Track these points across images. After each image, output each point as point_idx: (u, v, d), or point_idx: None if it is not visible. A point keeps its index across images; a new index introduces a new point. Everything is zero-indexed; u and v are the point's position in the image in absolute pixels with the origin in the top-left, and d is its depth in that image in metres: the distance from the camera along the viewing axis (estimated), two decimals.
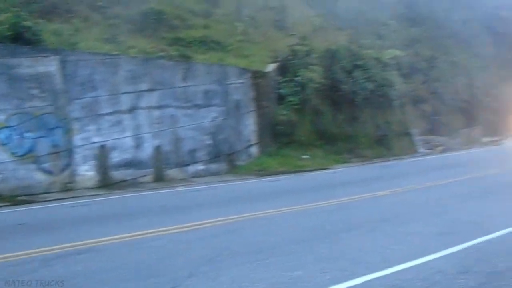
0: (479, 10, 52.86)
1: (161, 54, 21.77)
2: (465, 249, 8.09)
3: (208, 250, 8.26)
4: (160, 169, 19.46)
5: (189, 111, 20.71)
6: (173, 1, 27.26)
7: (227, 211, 11.93)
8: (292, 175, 21.72)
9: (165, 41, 24.12)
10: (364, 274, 6.76)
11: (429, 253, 7.71)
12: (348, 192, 14.74)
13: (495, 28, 55.22)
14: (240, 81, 23.46)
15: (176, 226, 10.13)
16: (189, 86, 20.79)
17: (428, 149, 33.34)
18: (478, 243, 8.44)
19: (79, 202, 14.70)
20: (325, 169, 24.06)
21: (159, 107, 19.55)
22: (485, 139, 40.64)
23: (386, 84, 30.46)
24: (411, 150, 31.85)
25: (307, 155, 25.67)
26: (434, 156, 30.54)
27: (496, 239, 8.72)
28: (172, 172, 19.92)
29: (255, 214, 11.45)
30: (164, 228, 9.96)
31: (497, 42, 54.74)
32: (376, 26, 40.99)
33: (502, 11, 56.64)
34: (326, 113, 28.18)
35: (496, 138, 41.79)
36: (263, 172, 22.20)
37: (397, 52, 34.65)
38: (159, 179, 19.23)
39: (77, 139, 17.10)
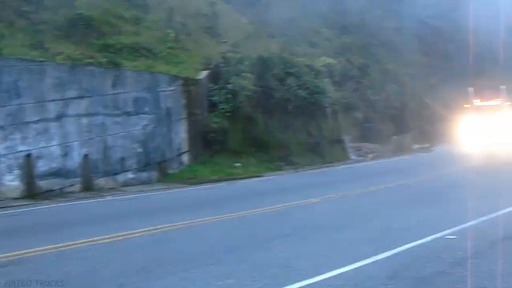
0: (410, 19, 54.42)
1: (90, 60, 21.38)
2: (395, 254, 8.25)
3: (138, 260, 8.15)
4: (89, 178, 19.11)
5: (119, 119, 20.42)
6: (102, 7, 26.82)
7: (158, 220, 11.77)
8: (224, 183, 21.75)
9: (94, 48, 23.70)
10: (296, 281, 6.79)
11: (360, 259, 7.82)
12: (281, 200, 14.84)
13: (425, 37, 57.25)
14: (171, 88, 23.33)
15: (105, 236, 9.94)
16: (119, 93, 20.49)
17: (360, 156, 34.00)
18: (408, 249, 8.62)
19: (2, 213, 14.22)
20: (258, 176, 24.17)
21: (88, 115, 19.20)
22: (416, 146, 41.55)
23: (318, 91, 30.96)
24: (343, 157, 32.41)
25: (240, 162, 25.75)
26: (366, 163, 31.17)
27: (425, 244, 8.94)
28: (102, 181, 19.59)
29: (186, 223, 11.37)
30: (93, 239, 9.77)
31: (428, 50, 56.79)
32: (308, 34, 41.74)
33: (432, 20, 58.79)
34: (258, 121, 28.34)
35: (426, 145, 42.80)
36: (195, 180, 22.12)
37: (330, 60, 35.40)
38: (88, 188, 18.88)
39: (1, 148, 16.61)
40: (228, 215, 12.41)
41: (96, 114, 19.53)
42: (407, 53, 53.99)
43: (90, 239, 9.72)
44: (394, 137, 39.61)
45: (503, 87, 35.75)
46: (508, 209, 12.01)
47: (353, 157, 33.49)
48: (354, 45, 45.88)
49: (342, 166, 29.25)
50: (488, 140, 33.41)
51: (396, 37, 53.94)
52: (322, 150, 30.98)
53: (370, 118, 40.11)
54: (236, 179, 23.05)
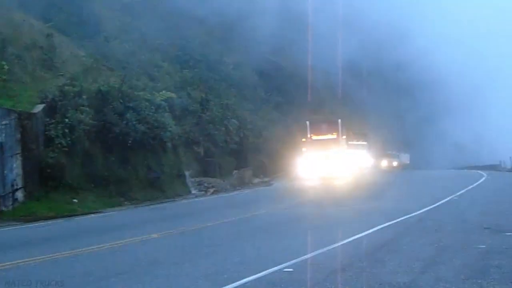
0: (250, 54, 56.71)
1: None
2: None
3: None
4: None
5: None
6: None
7: None
8: (61, 220, 21.12)
9: None
10: None
11: None
12: (120, 236, 14.71)
13: (265, 72, 59.87)
14: (5, 122, 22.29)
15: None
16: None
17: (201, 191, 34.44)
18: (245, 283, 8.86)
19: None
20: (96, 213, 23.77)
21: None
22: (256, 180, 42.85)
23: (158, 126, 31.10)
24: (184, 192, 32.67)
25: (78, 199, 25.12)
26: (207, 198, 31.63)
27: (262, 278, 9.22)
28: None
29: (13, 264, 11.00)
30: None
31: (268, 86, 59.33)
32: (148, 68, 41.92)
33: (272, 56, 61.71)
34: (97, 156, 27.86)
35: (266, 179, 44.38)
36: (30, 217, 21.32)
37: (170, 94, 35.70)
38: None
39: None
40: (61, 253, 12.12)
41: None
42: (247, 88, 55.96)
43: None
44: (235, 171, 40.63)
45: (339, 120, 38.37)
46: (344, 241, 12.72)
47: (194, 191, 33.82)
48: (195, 79, 46.79)
49: (183, 201, 29.46)
50: (325, 173, 35.65)
51: (236, 72, 55.80)
52: (162, 185, 31.04)
53: (211, 153, 40.79)
54: (74, 215, 22.48)
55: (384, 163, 65.19)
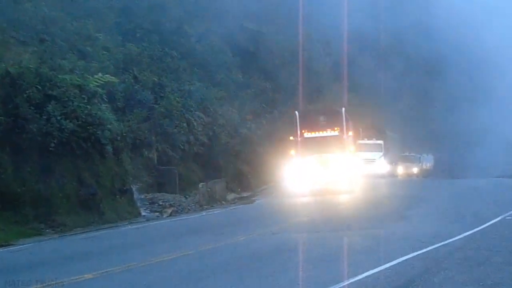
0: (221, 21, 56.50)
1: None
2: None
3: None
4: None
5: None
6: None
7: None
8: None
9: None
10: None
11: None
12: (39, 278, 14.61)
13: (244, 46, 59.74)
14: None
15: None
16: None
17: (155, 212, 34.11)
18: None
19: None
20: (5, 246, 23.32)
21: None
22: (232, 196, 43.02)
23: (93, 122, 30.70)
24: (131, 214, 32.25)
25: None
26: (162, 221, 31.46)
27: None
28: None
29: None
30: None
31: (247, 65, 59.20)
32: (78, 41, 41.40)
33: (253, 24, 61.42)
34: (4, 165, 27.45)
35: (246, 194, 44.56)
36: None
37: (109, 78, 35.24)
38: None
39: None
40: None
41: None
42: (217, 68, 55.77)
43: None
44: (202, 184, 40.21)
45: (342, 110, 38.36)
46: (352, 279, 12.83)
47: (145, 213, 33.58)
48: (144, 57, 46.31)
49: (129, 227, 29.13)
50: (323, 185, 35.82)
51: (202, 46, 55.55)
52: (100, 205, 30.59)
53: (168, 159, 40.75)
54: None
55: (400, 169, 65.84)
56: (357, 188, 37.84)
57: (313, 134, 37.25)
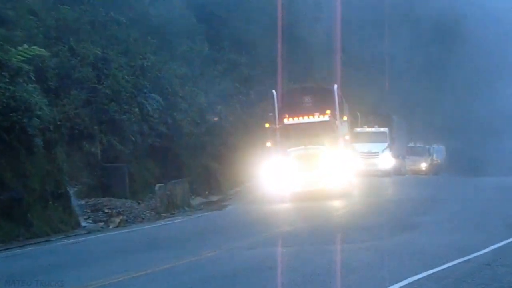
0: None
1: None
2: None
3: None
4: None
5: None
6: None
7: None
8: None
9: None
10: None
11: None
12: None
13: (210, 8, 59.63)
14: None
15: None
16: None
17: (98, 222, 34.07)
18: None
19: None
20: None
21: None
22: (198, 201, 43.43)
23: (18, 108, 30.45)
24: (68, 225, 32.19)
25: None
26: (108, 234, 31.40)
27: None
28: None
29: None
30: None
31: (216, 32, 59.12)
32: None
33: None
34: None
35: (215, 198, 44.90)
36: None
37: (38, 50, 34.90)
38: None
39: None
40: None
41: None
42: (178, 37, 55.62)
43: None
44: (159, 186, 40.17)
45: (334, 88, 38.16)
46: None
47: (85, 223, 33.55)
48: (84, 24, 45.81)
49: (65, 242, 29.05)
50: (308, 188, 35.72)
51: (157, 8, 55.30)
52: (27, 214, 30.41)
53: (115, 154, 40.78)
54: None
55: (405, 163, 65.74)
56: (354, 190, 37.81)
57: (296, 120, 36.93)
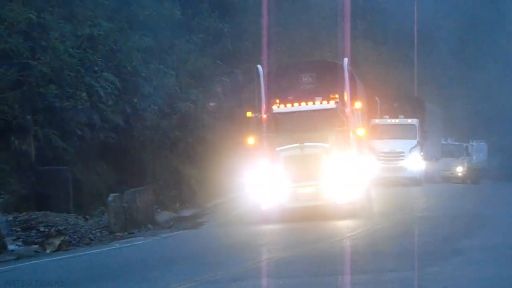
0: None
1: None
2: None
3: None
4: None
5: None
6: None
7: None
8: None
9: None
10: None
11: None
12: None
13: None
14: None
15: None
16: None
17: (31, 244, 33.93)
18: None
19: None
20: None
21: None
22: (165, 216, 43.62)
23: None
24: None
25: None
26: (45, 260, 31.21)
27: None
28: None
29: None
30: None
31: None
32: None
33: None
34: None
35: (189, 213, 45.13)
36: None
37: None
38: None
39: None
40: None
41: None
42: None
43: None
44: (114, 196, 40.04)
45: (344, 62, 36.96)
46: None
47: (14, 246, 33.32)
48: None
49: None
50: (307, 203, 34.77)
51: None
52: None
53: (55, 153, 40.70)
54: None
55: (436, 168, 65.23)
56: (372, 205, 37.33)
57: (289, 108, 35.44)
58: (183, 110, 50.62)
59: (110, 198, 39.45)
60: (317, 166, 34.65)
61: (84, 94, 42.29)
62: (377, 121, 51.78)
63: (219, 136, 50.09)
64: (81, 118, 41.81)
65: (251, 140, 35.08)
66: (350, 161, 34.92)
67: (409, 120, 56.20)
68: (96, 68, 43.83)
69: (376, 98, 50.81)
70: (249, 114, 35.53)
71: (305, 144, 34.72)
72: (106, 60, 45.30)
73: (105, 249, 33.60)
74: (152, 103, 48.19)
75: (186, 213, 44.92)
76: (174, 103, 50.60)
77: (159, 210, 43.69)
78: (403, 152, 55.53)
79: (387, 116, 55.18)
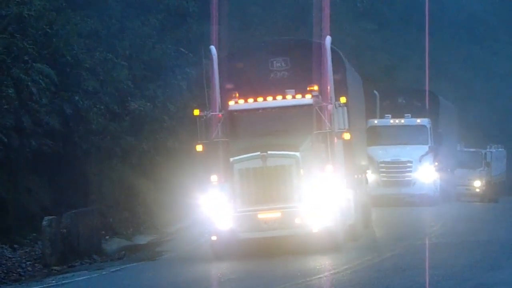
0: None
1: None
2: None
3: None
4: None
5: None
6: None
7: None
8: None
9: None
10: None
11: None
12: None
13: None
14: None
15: None
16: None
17: None
18: None
19: None
20: None
21: None
22: (114, 244, 43.65)
23: None
24: None
25: None
26: None
27: None
28: None
29: None
30: None
31: None
32: None
33: None
34: None
35: (147, 240, 45.15)
36: None
37: None
38: None
39: None
40: None
41: None
42: None
43: None
44: (50, 219, 39.52)
45: (325, 42, 35.03)
46: None
47: None
48: None
49: None
50: (267, 231, 32.91)
51: None
52: None
53: None
54: None
55: (451, 181, 64.24)
56: (371, 231, 36.36)
57: (251, 104, 33.79)
58: (137, 111, 49.89)
59: (44, 222, 38.93)
60: (284, 182, 32.50)
61: (10, 91, 41.65)
62: (376, 121, 50.62)
63: (183, 143, 49.27)
64: (6, 120, 41.03)
65: (199, 147, 33.08)
66: (330, 176, 32.58)
67: (418, 120, 54.62)
68: (26, 58, 43.01)
69: (375, 91, 49.67)
70: (196, 112, 33.19)
71: (268, 152, 32.04)
72: (39, 48, 44.53)
73: (38, 287, 33.19)
74: (98, 102, 47.42)
75: (141, 240, 44.97)
76: (126, 102, 49.93)
77: (107, 236, 43.75)
78: (410, 162, 54.11)
79: (389, 116, 53.71)
